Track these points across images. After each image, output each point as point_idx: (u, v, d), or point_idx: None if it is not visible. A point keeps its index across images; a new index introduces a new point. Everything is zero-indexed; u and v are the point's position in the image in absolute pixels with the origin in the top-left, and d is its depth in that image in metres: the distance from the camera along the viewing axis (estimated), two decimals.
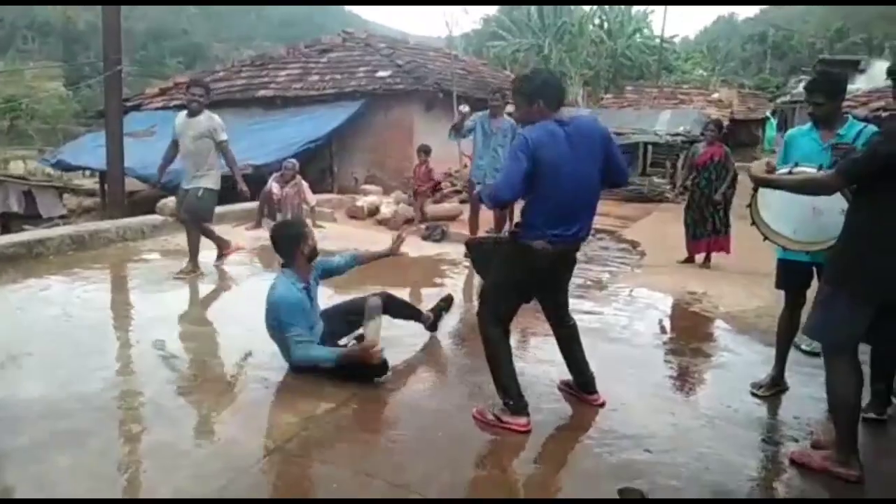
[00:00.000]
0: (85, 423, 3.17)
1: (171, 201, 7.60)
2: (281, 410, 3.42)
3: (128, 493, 2.68)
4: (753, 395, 3.86)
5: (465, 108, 6.97)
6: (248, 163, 9.81)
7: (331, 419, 3.34)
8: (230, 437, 3.13)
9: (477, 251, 4.10)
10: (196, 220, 6.05)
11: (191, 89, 6.00)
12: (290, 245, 3.86)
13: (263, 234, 8.13)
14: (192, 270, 5.98)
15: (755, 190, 3.60)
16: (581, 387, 3.62)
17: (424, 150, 9.98)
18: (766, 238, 3.66)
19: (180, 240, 6.96)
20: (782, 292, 3.85)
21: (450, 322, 5.04)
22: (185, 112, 5.99)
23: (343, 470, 2.89)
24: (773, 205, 3.57)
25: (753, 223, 3.69)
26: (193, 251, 6.07)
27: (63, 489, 2.63)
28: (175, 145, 5.99)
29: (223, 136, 5.89)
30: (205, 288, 5.79)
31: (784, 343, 3.89)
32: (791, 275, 3.73)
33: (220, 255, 6.37)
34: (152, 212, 8.51)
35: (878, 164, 2.74)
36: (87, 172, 15.28)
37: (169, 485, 2.70)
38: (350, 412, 3.45)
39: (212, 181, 6.00)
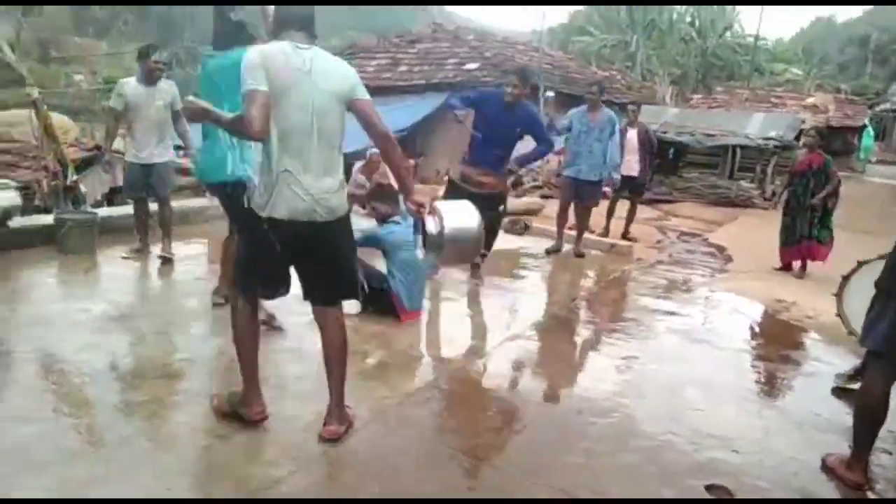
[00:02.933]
0: (199, 385, 3.44)
1: None
2: (379, 384, 3.61)
3: (244, 450, 2.89)
4: (837, 388, 3.95)
5: (550, 94, 6.94)
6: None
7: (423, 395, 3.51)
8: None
9: None
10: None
11: (153, 56, 5.55)
12: None
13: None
14: (141, 250, 5.85)
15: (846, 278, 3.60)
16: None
17: None
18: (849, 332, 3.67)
19: None
20: None
21: (532, 315, 5.14)
22: (133, 81, 5.56)
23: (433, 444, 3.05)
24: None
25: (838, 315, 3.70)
26: (166, 231, 5.79)
27: (182, 443, 2.89)
28: (116, 118, 5.59)
29: (181, 104, 5.45)
30: None
31: None
32: None
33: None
34: None
35: None
36: (181, 152, 16.02)
37: (276, 446, 2.92)
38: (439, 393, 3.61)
39: (172, 153, 5.91)
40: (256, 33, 3.97)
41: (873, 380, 2.92)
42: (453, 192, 5.50)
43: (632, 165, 8.59)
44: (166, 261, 5.67)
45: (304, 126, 2.69)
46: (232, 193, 3.66)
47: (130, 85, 5.55)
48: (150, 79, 5.54)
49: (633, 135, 8.70)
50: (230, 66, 3.35)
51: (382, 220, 4.88)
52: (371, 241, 4.67)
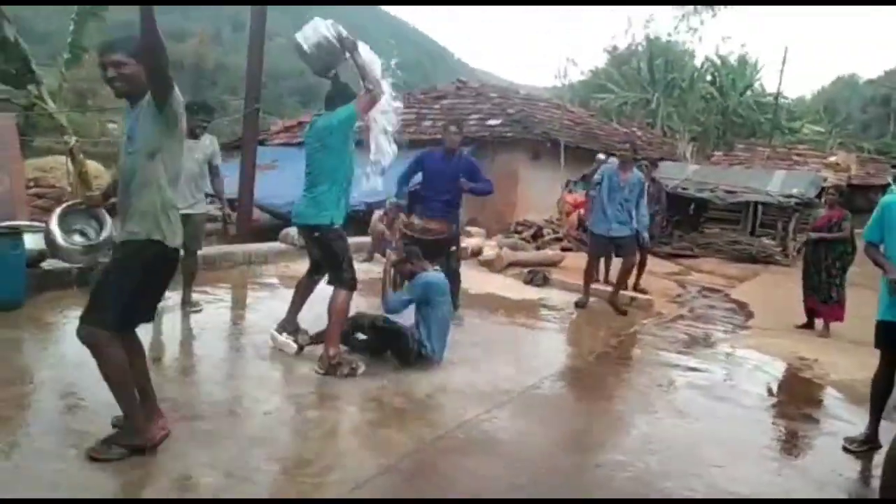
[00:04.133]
0: (219, 426, 3.50)
1: (293, 230, 8.08)
2: (395, 431, 3.63)
3: (259, 493, 2.93)
4: (846, 449, 3.93)
5: (602, 157, 7.10)
6: (362, 200, 10.32)
7: (439, 444, 3.52)
8: (348, 449, 3.36)
9: None
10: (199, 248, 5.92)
11: (199, 114, 5.67)
12: None
13: (374, 268, 8.58)
14: (197, 303, 5.83)
15: None
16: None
17: None
18: None
19: (299, 266, 7.41)
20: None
21: (551, 366, 5.15)
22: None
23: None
24: None
25: None
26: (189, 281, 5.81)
27: (199, 485, 2.93)
28: None
29: (220, 160, 5.91)
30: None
31: (878, 401, 3.96)
32: (890, 335, 3.83)
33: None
34: (270, 239, 9.11)
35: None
36: (209, 199, 16.37)
37: (294, 490, 2.95)
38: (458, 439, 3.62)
39: (205, 205, 5.99)
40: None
41: None
42: (406, 242, 5.84)
43: None
44: (194, 309, 5.73)
45: None
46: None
47: None
48: (192, 134, 5.60)
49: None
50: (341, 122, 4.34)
51: (409, 277, 4.95)
52: (421, 297, 4.77)
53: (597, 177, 7.32)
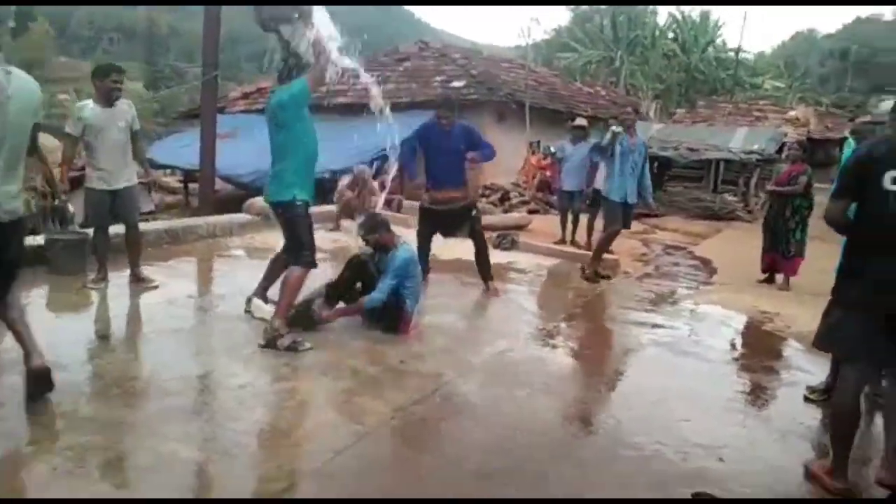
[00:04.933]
0: (192, 401, 3.49)
1: (258, 201, 7.97)
2: (370, 399, 3.66)
3: (239, 466, 2.94)
4: (807, 399, 4.09)
5: (618, 129, 7.00)
6: (327, 168, 10.21)
7: (415, 410, 3.57)
8: (324, 419, 3.38)
9: None
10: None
11: (111, 75, 5.26)
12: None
13: (341, 236, 8.54)
14: (104, 278, 5.51)
15: None
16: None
17: None
18: None
19: (266, 237, 7.36)
20: None
21: (521, 329, 5.22)
22: (91, 103, 5.30)
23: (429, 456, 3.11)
24: None
25: None
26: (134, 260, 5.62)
27: (178, 460, 2.93)
28: (75, 142, 5.33)
29: (139, 125, 5.56)
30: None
31: None
32: None
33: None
34: (234, 210, 8.98)
35: (850, 172, 2.97)
36: (169, 171, 16.05)
37: (273, 461, 2.97)
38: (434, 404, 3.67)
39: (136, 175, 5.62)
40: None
41: (848, 384, 3.01)
42: (426, 217, 6.10)
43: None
44: (144, 283, 5.54)
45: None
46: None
47: (88, 108, 5.27)
48: (108, 99, 5.27)
49: None
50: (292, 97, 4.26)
51: (378, 247, 4.93)
52: (405, 272, 4.77)
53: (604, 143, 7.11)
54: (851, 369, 3.03)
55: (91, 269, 5.60)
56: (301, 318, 4.60)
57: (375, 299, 4.67)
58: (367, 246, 4.99)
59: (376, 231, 4.90)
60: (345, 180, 9.50)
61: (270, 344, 4.26)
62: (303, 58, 4.33)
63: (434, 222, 6.07)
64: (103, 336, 4.41)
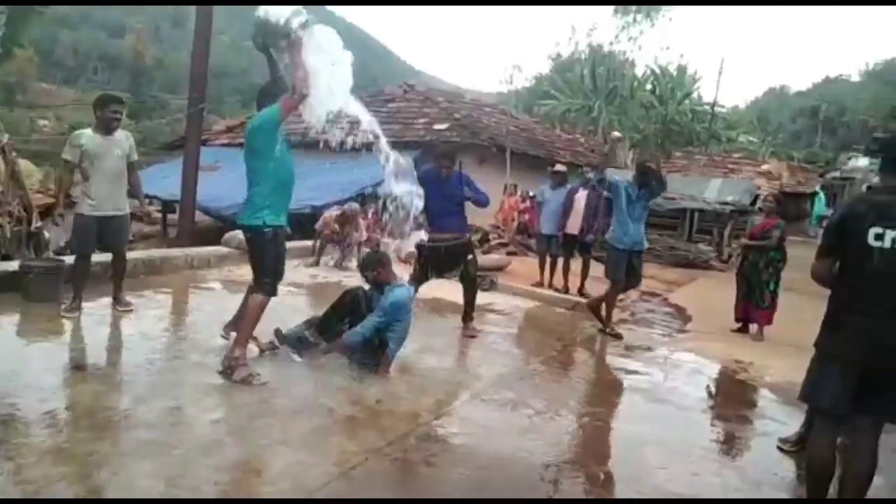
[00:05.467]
0: (163, 435, 3.42)
1: (237, 234, 7.91)
2: (346, 439, 3.61)
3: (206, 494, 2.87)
4: (780, 449, 4.10)
5: (617, 135, 6.92)
6: (308, 203, 10.24)
7: (390, 451, 3.53)
8: (299, 458, 3.33)
9: None
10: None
11: (111, 105, 5.45)
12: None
13: (320, 272, 8.51)
14: (78, 307, 5.46)
15: None
16: None
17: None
18: None
19: (244, 270, 7.27)
20: None
21: (498, 372, 5.21)
22: (89, 131, 5.45)
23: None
24: None
25: None
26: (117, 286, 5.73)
27: (148, 495, 2.85)
28: (72, 168, 5.41)
29: (136, 156, 5.72)
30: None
31: None
32: None
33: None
34: (212, 242, 8.93)
35: (834, 230, 3.03)
36: (148, 200, 15.95)
37: (241, 497, 2.91)
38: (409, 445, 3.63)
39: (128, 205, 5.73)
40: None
41: (823, 435, 3.05)
42: (426, 255, 6.07)
43: (575, 225, 8.95)
44: (125, 308, 5.61)
45: None
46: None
47: (87, 135, 5.41)
48: (107, 128, 5.42)
49: (581, 195, 9.07)
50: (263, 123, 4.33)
51: (376, 284, 4.96)
52: (395, 314, 4.75)
53: (611, 180, 6.93)
54: (825, 420, 3.06)
55: (65, 297, 5.54)
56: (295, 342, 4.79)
57: (356, 335, 4.65)
58: (367, 282, 5.01)
59: (374, 268, 4.92)
60: (332, 212, 9.50)
61: (226, 374, 4.27)
62: (285, 84, 4.36)
63: (432, 261, 6.08)
64: (76, 366, 4.32)
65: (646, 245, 7.00)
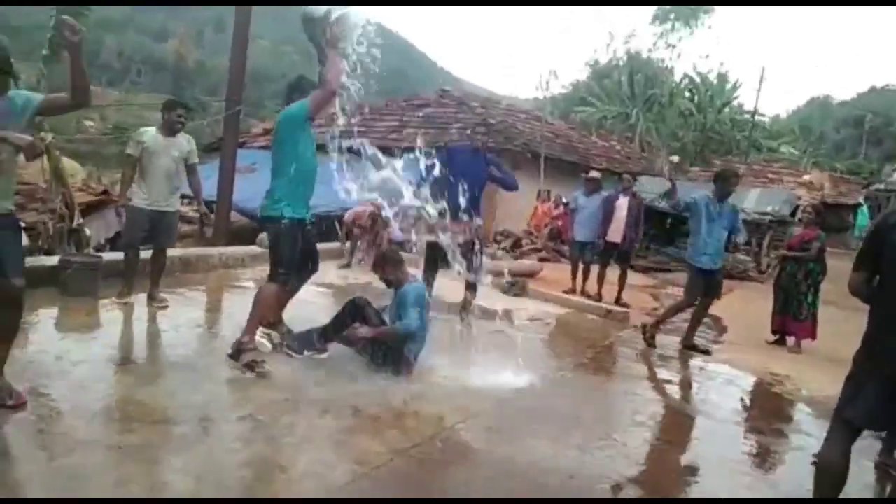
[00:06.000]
0: (192, 431, 3.45)
1: None
2: (370, 439, 3.61)
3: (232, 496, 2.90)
4: (815, 464, 3.91)
5: (675, 159, 6.83)
6: (338, 206, 10.27)
7: (415, 453, 3.51)
8: (323, 457, 3.34)
9: None
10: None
11: (177, 109, 5.77)
12: None
13: (350, 273, 8.55)
14: (164, 299, 5.82)
15: None
16: None
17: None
18: None
19: None
20: None
21: (528, 377, 5.17)
22: (153, 130, 5.77)
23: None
24: None
25: None
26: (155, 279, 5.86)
27: (172, 490, 2.89)
28: (134, 163, 5.66)
29: (196, 159, 5.99)
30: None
31: None
32: None
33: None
34: (247, 242, 9.04)
35: (868, 242, 2.95)
36: (186, 201, 16.22)
37: (266, 493, 2.92)
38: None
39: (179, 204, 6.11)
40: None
41: (838, 443, 2.94)
42: (430, 246, 5.85)
43: (618, 232, 8.82)
44: (160, 304, 5.74)
45: None
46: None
47: (150, 133, 5.74)
48: (171, 130, 5.74)
49: (623, 202, 8.96)
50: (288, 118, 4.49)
51: (388, 284, 4.99)
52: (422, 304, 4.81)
53: (689, 199, 6.66)
54: (844, 429, 2.95)
55: (106, 292, 5.78)
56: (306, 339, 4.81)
57: (409, 325, 4.66)
58: (383, 282, 5.03)
59: (384, 266, 4.94)
60: (364, 207, 9.42)
61: (235, 356, 4.40)
62: (305, 78, 4.41)
63: (437, 249, 5.76)
64: (114, 360, 4.39)
65: (717, 265, 6.60)
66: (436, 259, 6.02)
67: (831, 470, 2.94)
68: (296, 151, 4.43)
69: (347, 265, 9.04)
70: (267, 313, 4.62)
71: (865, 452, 3.95)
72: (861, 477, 3.63)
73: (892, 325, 2.82)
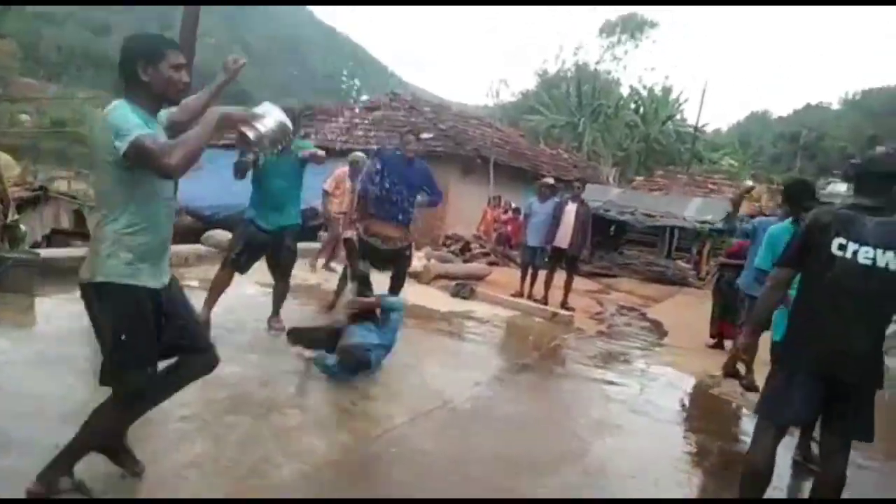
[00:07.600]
0: (132, 431, 3.36)
1: (216, 233, 7.90)
2: (317, 438, 3.58)
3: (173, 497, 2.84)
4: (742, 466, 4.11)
5: (749, 184, 6.61)
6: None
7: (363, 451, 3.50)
8: (268, 456, 3.29)
9: None
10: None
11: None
12: None
13: (309, 276, 8.43)
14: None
15: None
16: None
17: None
18: None
19: None
20: None
21: (474, 378, 5.20)
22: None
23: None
24: None
25: None
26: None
27: (115, 486, 2.81)
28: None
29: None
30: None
31: None
32: None
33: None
34: (192, 242, 8.85)
35: (799, 240, 3.04)
36: None
37: (210, 495, 2.87)
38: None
39: None
40: None
41: (768, 442, 2.99)
42: (361, 246, 5.73)
43: (564, 238, 8.96)
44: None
45: None
46: None
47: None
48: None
49: (571, 209, 9.10)
50: None
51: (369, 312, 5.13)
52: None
53: (748, 226, 6.58)
54: (769, 426, 3.03)
55: (45, 289, 5.61)
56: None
57: (376, 348, 4.77)
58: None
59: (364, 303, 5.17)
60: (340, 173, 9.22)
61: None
62: None
63: (368, 255, 5.73)
64: (51, 359, 4.24)
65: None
66: (365, 256, 5.80)
67: (757, 470, 2.99)
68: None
69: (312, 269, 8.86)
70: (218, 293, 5.38)
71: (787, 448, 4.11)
72: (782, 474, 3.77)
73: (818, 322, 2.92)
